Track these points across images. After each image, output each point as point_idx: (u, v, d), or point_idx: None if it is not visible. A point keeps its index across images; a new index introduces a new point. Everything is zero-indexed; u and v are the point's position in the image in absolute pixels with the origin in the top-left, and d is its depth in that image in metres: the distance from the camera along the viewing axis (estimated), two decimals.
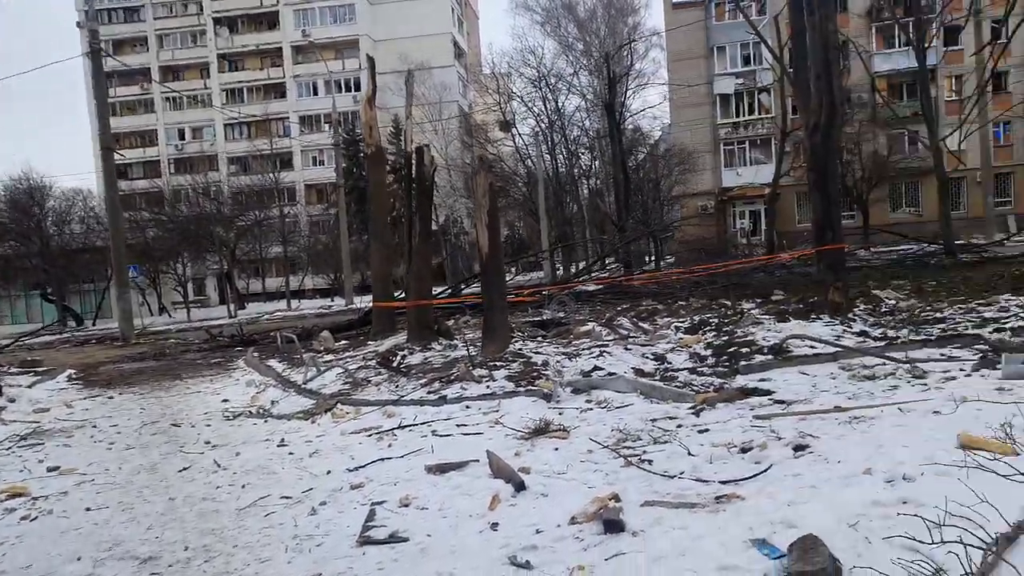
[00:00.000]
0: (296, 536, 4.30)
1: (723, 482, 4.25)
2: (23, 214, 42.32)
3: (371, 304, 16.18)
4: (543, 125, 43.09)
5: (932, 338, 7.76)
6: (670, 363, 8.41)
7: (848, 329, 8.76)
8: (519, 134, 45.09)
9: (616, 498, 4.16)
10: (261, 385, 10.87)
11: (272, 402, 9.29)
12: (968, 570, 2.72)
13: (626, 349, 9.24)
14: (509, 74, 46.24)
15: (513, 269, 45.36)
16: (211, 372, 13.51)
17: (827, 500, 3.74)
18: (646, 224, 29.62)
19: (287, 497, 5.09)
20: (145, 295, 42.86)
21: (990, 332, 7.80)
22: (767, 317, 9.90)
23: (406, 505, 4.58)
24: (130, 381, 13.22)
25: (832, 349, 7.59)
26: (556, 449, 5.47)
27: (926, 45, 24.61)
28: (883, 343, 7.86)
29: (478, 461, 5.28)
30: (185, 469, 6.29)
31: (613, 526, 3.76)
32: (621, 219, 25.71)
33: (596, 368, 8.13)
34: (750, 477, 4.26)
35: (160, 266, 44.26)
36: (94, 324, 40.07)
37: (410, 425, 6.92)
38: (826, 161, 10.20)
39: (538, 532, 3.90)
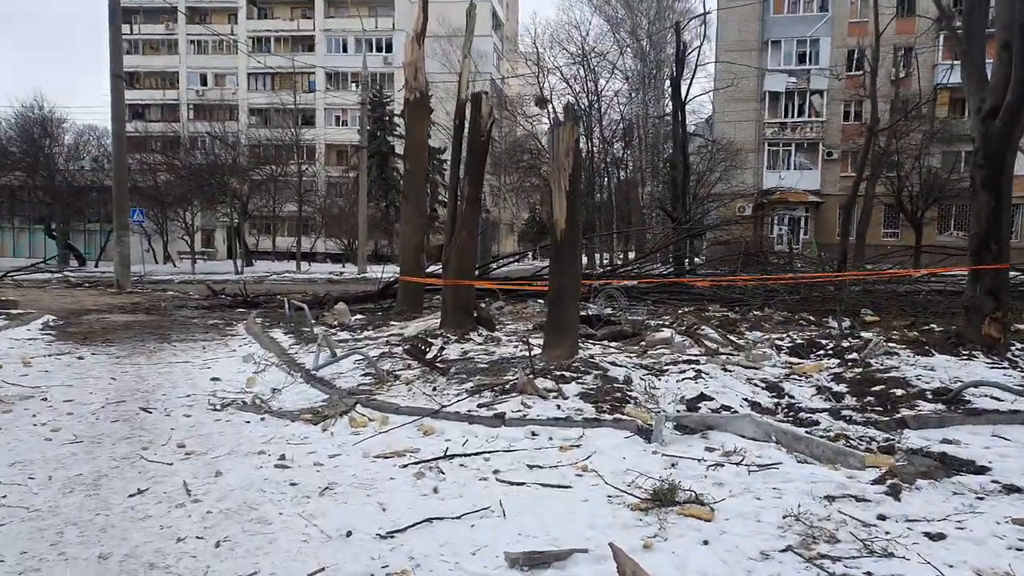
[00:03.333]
0: None
1: None
2: (32, 144, 40.43)
3: (395, 276, 14.20)
4: (583, 105, 40.90)
5: None
6: (793, 397, 6.44)
7: None
8: (556, 112, 42.89)
9: None
10: (261, 363, 8.97)
11: (273, 390, 7.37)
12: None
13: (725, 370, 7.26)
14: (551, 47, 44.15)
15: (531, 254, 43.26)
16: (205, 336, 11.62)
17: None
18: (687, 221, 27.37)
19: None
20: (151, 241, 41.08)
21: None
22: (901, 347, 7.89)
23: None
24: (111, 337, 11.34)
25: None
26: (705, 543, 3.51)
27: None
28: None
29: (586, 552, 3.35)
30: (139, 493, 4.37)
31: None
32: (677, 212, 23.27)
33: (703, 397, 6.15)
34: None
35: (169, 213, 42.36)
36: (96, 265, 38.40)
37: (460, 455, 4.99)
38: (1004, 154, 8.06)
39: None
